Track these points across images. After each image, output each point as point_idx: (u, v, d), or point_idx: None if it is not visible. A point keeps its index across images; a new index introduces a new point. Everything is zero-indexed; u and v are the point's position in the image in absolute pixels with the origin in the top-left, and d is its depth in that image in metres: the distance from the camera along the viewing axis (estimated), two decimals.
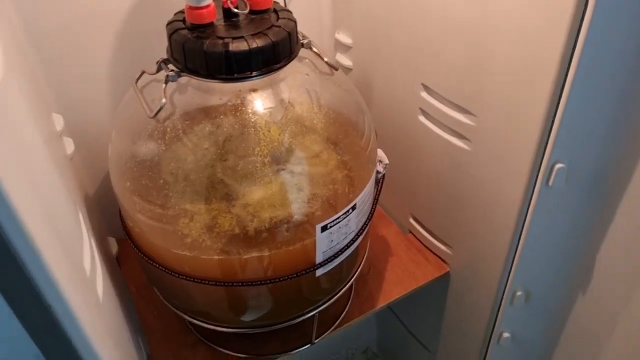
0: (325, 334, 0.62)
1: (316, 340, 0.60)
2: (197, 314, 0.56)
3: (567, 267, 0.58)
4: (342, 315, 0.64)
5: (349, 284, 0.58)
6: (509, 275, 0.58)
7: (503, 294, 0.60)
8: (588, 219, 0.54)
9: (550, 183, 0.49)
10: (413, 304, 0.80)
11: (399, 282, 0.68)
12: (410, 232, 0.74)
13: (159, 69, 0.47)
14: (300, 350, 0.61)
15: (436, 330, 0.77)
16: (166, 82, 0.45)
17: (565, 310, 0.61)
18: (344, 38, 0.70)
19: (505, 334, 0.65)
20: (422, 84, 0.59)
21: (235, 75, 0.43)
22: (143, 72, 0.48)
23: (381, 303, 0.65)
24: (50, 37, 0.56)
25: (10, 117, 0.31)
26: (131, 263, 0.69)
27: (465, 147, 0.56)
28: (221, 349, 0.61)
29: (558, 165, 0.48)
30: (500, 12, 0.46)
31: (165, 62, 0.47)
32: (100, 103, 0.62)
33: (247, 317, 0.55)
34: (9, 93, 0.32)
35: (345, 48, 0.71)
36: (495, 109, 0.51)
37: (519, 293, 0.60)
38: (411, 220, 0.73)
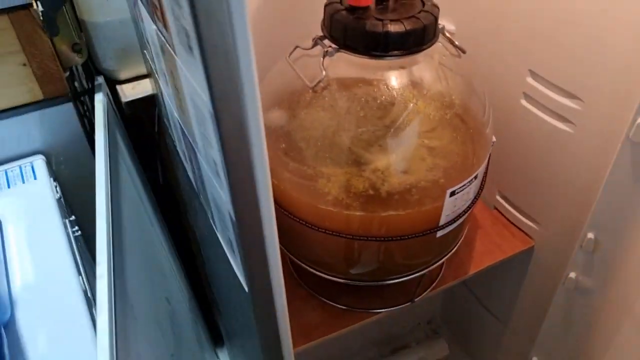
0: (424, 293, 0.68)
1: (417, 299, 0.67)
2: (317, 264, 0.62)
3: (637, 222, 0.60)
4: (438, 279, 0.70)
5: (455, 247, 0.64)
6: None
7: None
8: None
9: (631, 135, 0.53)
10: (489, 277, 0.86)
11: (487, 252, 0.74)
12: (496, 208, 0.79)
13: (314, 45, 0.53)
14: (400, 307, 0.67)
15: (512, 302, 0.83)
16: (324, 56, 0.51)
17: (628, 267, 0.63)
18: (446, 24, 0.75)
19: (572, 274, 0.68)
20: (530, 70, 0.64)
21: (389, 52, 0.49)
22: (296, 47, 0.55)
23: (472, 270, 0.71)
24: None
25: None
26: None
27: (568, 129, 0.61)
28: (328, 301, 0.68)
29: None
30: (621, 5, 0.50)
31: (321, 38, 0.53)
32: None
33: (361, 270, 0.61)
34: None
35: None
36: (604, 95, 0.56)
37: (589, 236, 0.63)
38: (498, 197, 0.78)
